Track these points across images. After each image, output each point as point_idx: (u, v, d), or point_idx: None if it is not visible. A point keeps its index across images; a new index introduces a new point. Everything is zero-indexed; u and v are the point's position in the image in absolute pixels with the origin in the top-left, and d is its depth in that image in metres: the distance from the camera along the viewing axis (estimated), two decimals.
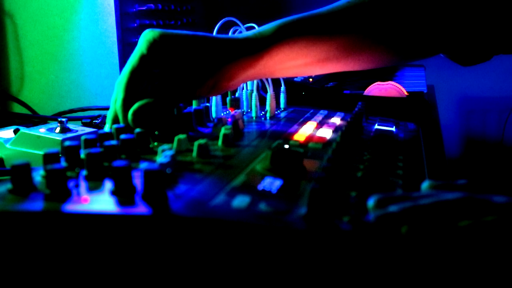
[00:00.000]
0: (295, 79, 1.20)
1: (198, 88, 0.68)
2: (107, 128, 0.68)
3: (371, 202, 0.44)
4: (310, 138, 0.70)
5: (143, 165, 0.45)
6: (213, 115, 0.83)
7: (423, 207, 0.43)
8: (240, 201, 0.44)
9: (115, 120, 0.68)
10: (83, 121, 0.96)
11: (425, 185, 0.49)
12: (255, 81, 0.87)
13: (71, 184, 0.47)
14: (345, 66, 0.81)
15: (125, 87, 0.67)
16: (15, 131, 0.81)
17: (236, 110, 0.87)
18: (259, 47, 0.71)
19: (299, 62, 0.76)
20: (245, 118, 0.83)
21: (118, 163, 0.45)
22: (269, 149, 0.55)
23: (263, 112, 0.87)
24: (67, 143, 0.52)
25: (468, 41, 0.81)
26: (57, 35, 1.10)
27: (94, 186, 0.47)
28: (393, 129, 0.82)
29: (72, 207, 0.42)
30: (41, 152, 0.50)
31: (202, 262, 0.41)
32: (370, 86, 1.16)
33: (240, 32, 0.85)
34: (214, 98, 0.84)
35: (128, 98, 0.67)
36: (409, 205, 0.43)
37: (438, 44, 0.83)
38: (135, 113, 0.65)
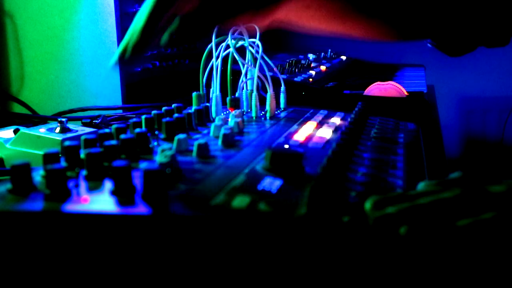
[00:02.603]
0: (295, 79, 1.20)
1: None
2: (114, 58, 0.67)
3: (368, 204, 0.44)
4: (310, 138, 0.70)
5: (143, 165, 0.45)
6: (213, 115, 0.83)
7: (421, 207, 0.43)
8: (240, 201, 0.44)
9: (127, 51, 0.67)
10: (83, 121, 0.96)
11: (421, 186, 0.49)
12: (255, 81, 0.87)
13: (71, 184, 0.47)
14: (346, 29, 0.85)
15: (154, 9, 0.67)
16: (15, 131, 0.81)
17: (236, 110, 0.87)
18: None
19: (314, 14, 0.80)
20: (245, 118, 0.83)
21: (118, 163, 0.45)
22: (269, 149, 0.55)
23: (263, 112, 0.87)
24: (67, 143, 0.52)
25: (455, 29, 0.84)
26: (57, 35, 1.10)
27: (94, 186, 0.47)
28: (393, 129, 0.82)
29: (72, 207, 0.42)
30: (41, 152, 0.50)
31: (202, 262, 0.41)
32: (370, 86, 1.16)
33: (240, 32, 0.85)
34: (214, 98, 0.84)
35: (154, 21, 0.66)
36: (406, 206, 0.43)
37: (429, 28, 0.87)
38: (180, 21, 0.65)
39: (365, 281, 0.40)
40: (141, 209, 0.42)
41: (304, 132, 0.73)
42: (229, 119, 0.74)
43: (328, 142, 0.68)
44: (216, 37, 0.84)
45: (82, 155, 0.51)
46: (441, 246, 0.40)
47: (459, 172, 0.50)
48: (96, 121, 0.94)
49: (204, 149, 0.58)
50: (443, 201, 0.43)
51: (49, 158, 0.49)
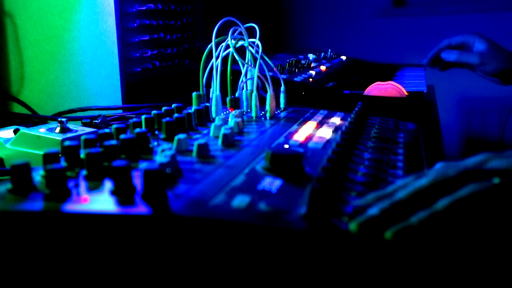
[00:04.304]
0: (295, 79, 1.20)
1: None
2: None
3: (353, 225, 0.42)
4: (310, 138, 0.70)
5: (143, 165, 0.45)
6: (213, 114, 0.83)
7: (400, 202, 0.42)
8: (240, 201, 0.44)
9: None
10: (83, 121, 0.96)
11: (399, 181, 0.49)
12: (255, 81, 0.87)
13: (71, 184, 0.47)
14: None
15: None
16: (15, 131, 0.81)
17: (236, 110, 0.87)
18: None
19: None
20: (245, 118, 0.83)
21: (118, 163, 0.45)
22: (269, 149, 0.55)
23: (263, 112, 0.87)
24: (67, 143, 0.52)
25: None
26: (57, 35, 1.10)
27: (94, 186, 0.47)
28: (393, 129, 0.82)
29: (72, 207, 0.42)
30: (41, 152, 0.50)
31: (202, 262, 0.41)
32: (370, 86, 1.16)
33: (240, 32, 0.85)
34: (214, 97, 0.84)
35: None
36: (387, 204, 0.42)
37: None
38: None
39: (365, 280, 0.39)
40: (141, 209, 0.42)
41: (304, 132, 0.73)
42: (229, 119, 0.74)
43: (328, 142, 0.68)
44: (216, 37, 0.84)
45: (82, 155, 0.51)
46: (426, 237, 0.40)
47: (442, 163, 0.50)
48: (96, 121, 0.94)
49: (204, 149, 0.58)
50: (420, 189, 0.43)
51: (49, 158, 0.49)
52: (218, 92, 0.84)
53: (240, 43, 0.87)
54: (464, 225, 0.40)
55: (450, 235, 0.40)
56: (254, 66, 0.86)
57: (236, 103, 0.88)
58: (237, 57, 0.85)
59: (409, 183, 0.45)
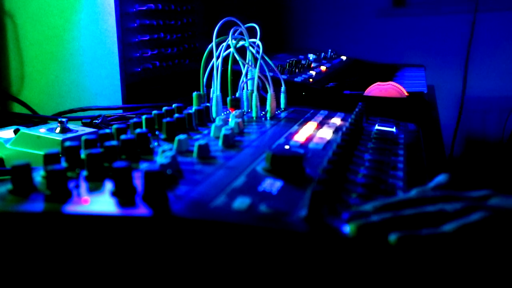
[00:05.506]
0: (295, 79, 1.20)
1: None
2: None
3: (352, 227, 0.42)
4: (310, 138, 0.70)
5: (144, 166, 0.45)
6: (213, 115, 0.83)
7: (404, 218, 0.42)
8: (241, 202, 0.44)
9: None
10: (83, 121, 0.96)
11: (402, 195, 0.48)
12: (255, 81, 0.87)
13: (72, 184, 0.47)
14: None
15: None
16: (15, 131, 0.81)
17: (236, 110, 0.87)
18: None
19: None
20: (245, 118, 0.83)
21: (118, 164, 0.45)
22: (269, 150, 0.55)
23: (263, 112, 0.87)
24: (67, 143, 0.52)
25: None
26: (57, 35, 1.10)
27: (95, 187, 0.47)
28: (393, 129, 0.82)
29: (73, 208, 0.42)
30: (41, 152, 0.50)
31: (203, 264, 0.41)
32: (370, 87, 1.16)
33: (241, 32, 0.85)
34: (214, 97, 0.84)
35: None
36: (389, 215, 0.42)
37: None
38: None
39: (365, 283, 0.39)
40: (142, 210, 0.42)
41: (304, 132, 0.73)
42: (230, 120, 0.74)
43: (329, 142, 0.68)
44: (217, 37, 0.84)
45: (83, 156, 0.50)
46: (429, 253, 0.39)
47: (445, 176, 0.49)
48: (96, 121, 0.94)
49: (204, 150, 0.58)
50: (427, 211, 0.43)
51: (49, 159, 0.49)
52: (218, 92, 0.84)
53: (241, 43, 0.87)
54: (473, 251, 0.40)
55: (457, 258, 0.40)
56: (255, 66, 0.86)
57: (236, 103, 0.88)
58: (237, 57, 0.85)
59: (417, 203, 0.45)
